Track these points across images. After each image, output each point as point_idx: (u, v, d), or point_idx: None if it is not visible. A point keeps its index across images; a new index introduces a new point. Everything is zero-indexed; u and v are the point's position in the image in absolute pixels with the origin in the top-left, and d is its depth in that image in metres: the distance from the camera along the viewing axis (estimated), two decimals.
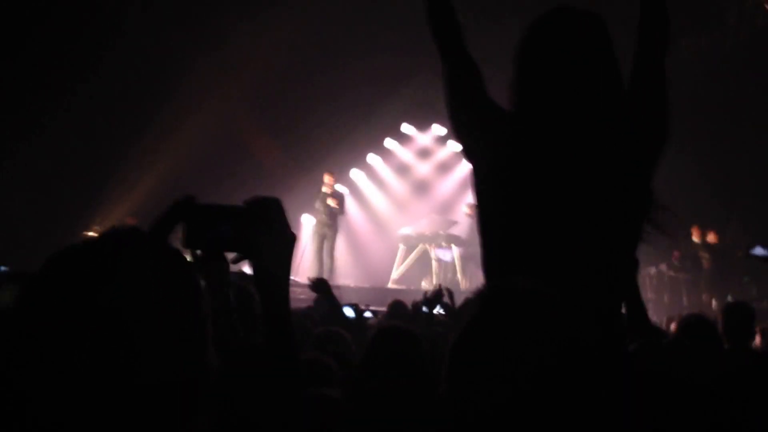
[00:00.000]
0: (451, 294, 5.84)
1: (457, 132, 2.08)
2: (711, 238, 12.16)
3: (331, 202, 11.87)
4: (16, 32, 10.59)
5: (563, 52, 1.93)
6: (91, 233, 12.00)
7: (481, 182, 2.00)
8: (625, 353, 2.03)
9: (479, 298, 1.26)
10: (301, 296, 9.00)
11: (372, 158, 15.19)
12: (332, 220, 12.10)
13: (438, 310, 5.79)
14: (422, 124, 15.04)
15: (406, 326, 2.84)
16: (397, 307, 5.17)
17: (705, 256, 12.08)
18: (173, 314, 0.99)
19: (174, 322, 0.98)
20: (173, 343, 0.98)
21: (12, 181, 11.00)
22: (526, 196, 1.90)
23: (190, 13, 12.00)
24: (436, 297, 4.82)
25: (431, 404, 2.33)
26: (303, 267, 12.67)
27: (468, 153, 2.06)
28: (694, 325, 4.13)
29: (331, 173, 12.15)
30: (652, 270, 12.70)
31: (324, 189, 11.99)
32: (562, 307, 1.20)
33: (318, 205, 12.06)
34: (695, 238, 12.29)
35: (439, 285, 4.92)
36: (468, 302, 3.29)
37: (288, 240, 1.31)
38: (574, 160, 1.88)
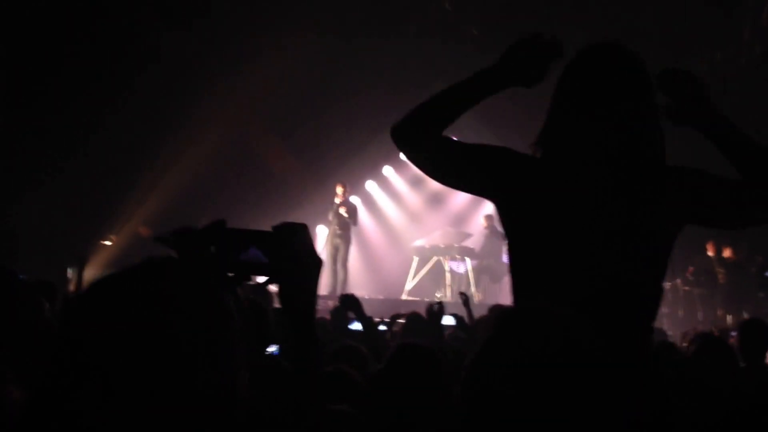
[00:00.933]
0: (467, 300, 5.83)
1: (461, 188, 2.14)
2: (727, 253, 12.09)
3: (342, 211, 11.97)
4: (45, 54, 10.74)
5: (601, 92, 1.90)
6: (107, 242, 12.11)
7: (506, 219, 2.02)
8: (651, 378, 2.00)
9: (499, 315, 1.28)
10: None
11: (387, 170, 15.23)
12: (345, 230, 12.18)
13: (450, 321, 5.77)
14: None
15: (427, 344, 2.83)
16: (414, 319, 5.15)
17: (720, 272, 12.01)
18: (211, 342, 1.02)
19: (212, 351, 1.01)
20: (212, 370, 1.00)
21: (31, 193, 11.13)
22: (552, 234, 1.90)
23: (212, 32, 12.15)
24: (440, 311, 4.78)
25: (449, 421, 2.34)
26: None
27: (489, 199, 2.08)
28: (708, 342, 4.12)
29: (343, 184, 12.25)
30: (667, 285, 12.65)
31: (336, 200, 12.10)
32: (579, 326, 1.22)
33: (331, 216, 12.17)
34: (710, 253, 12.22)
35: (435, 304, 4.86)
36: (483, 320, 3.32)
37: (314, 265, 1.37)
38: (603, 204, 1.87)
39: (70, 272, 9.41)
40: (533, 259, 1.94)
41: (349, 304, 4.84)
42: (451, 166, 2.04)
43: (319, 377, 1.39)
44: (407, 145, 2.04)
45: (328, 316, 6.23)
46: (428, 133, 2.00)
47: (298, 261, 1.35)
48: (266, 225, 1.35)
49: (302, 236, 1.35)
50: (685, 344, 5.33)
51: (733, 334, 5.92)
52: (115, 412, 0.94)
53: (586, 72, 1.93)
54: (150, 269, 1.06)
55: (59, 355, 0.98)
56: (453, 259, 13.26)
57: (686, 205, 1.90)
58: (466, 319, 5.52)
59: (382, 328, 5.60)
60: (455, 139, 2.08)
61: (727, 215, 1.93)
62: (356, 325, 5.21)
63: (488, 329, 1.24)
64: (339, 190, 12.18)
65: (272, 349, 4.85)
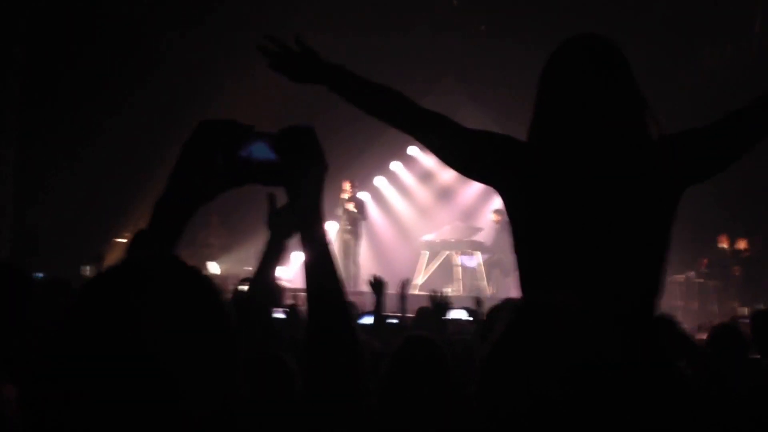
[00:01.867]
0: (479, 301, 5.83)
1: (468, 175, 2.15)
2: (741, 245, 12.06)
3: (351, 207, 12.00)
4: (60, 55, 10.83)
5: (585, 80, 1.95)
6: (122, 239, 12.19)
7: (510, 208, 2.05)
8: (662, 368, 2.03)
9: (515, 309, 1.26)
10: None
11: (395, 166, 15.22)
12: (354, 226, 12.22)
13: (461, 315, 5.78)
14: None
15: (432, 336, 2.84)
16: (423, 313, 5.16)
17: (734, 264, 11.98)
18: (207, 342, 0.97)
19: (208, 350, 0.97)
20: (208, 371, 0.96)
21: (48, 192, 11.23)
22: (552, 223, 1.94)
23: (223, 27, 12.21)
24: (444, 301, 4.76)
25: (456, 414, 2.34)
26: None
27: (492, 185, 2.10)
28: (724, 335, 4.10)
29: (350, 180, 12.29)
30: (681, 278, 12.60)
31: (344, 196, 12.12)
32: (594, 319, 1.21)
33: (340, 212, 12.19)
34: (724, 245, 12.18)
35: (439, 294, 4.81)
36: (495, 309, 3.29)
37: (321, 167, 1.34)
38: (599, 187, 1.91)
39: (86, 270, 9.48)
40: (538, 248, 1.97)
41: (378, 290, 4.82)
42: (458, 154, 2.09)
43: (334, 274, 1.30)
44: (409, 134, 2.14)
45: None
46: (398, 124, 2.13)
47: (305, 161, 1.31)
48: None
49: (310, 137, 1.33)
50: (702, 336, 5.31)
51: (746, 320, 5.88)
52: (98, 424, 0.90)
53: (565, 64, 2.00)
54: (141, 269, 1.00)
55: (49, 361, 0.94)
56: (463, 253, 13.25)
57: (683, 167, 1.95)
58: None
59: (393, 321, 5.61)
60: (457, 124, 2.12)
61: (721, 158, 2.00)
62: (365, 320, 5.22)
63: (506, 319, 1.23)
64: (346, 186, 12.25)
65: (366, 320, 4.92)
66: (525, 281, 2.01)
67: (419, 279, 13.20)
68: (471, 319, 5.43)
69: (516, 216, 2.02)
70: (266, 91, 12.67)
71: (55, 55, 10.93)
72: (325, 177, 1.34)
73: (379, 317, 4.77)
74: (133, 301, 0.94)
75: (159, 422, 0.91)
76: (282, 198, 1.94)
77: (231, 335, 1.00)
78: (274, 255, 2.26)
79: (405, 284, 5.61)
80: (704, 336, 4.78)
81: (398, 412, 2.53)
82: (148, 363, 0.91)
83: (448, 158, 2.12)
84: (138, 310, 0.93)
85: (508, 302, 3.37)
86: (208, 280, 1.02)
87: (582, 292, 1.80)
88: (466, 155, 2.08)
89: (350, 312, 1.30)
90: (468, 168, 2.13)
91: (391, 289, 13.49)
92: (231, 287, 5.90)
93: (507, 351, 1.18)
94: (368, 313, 5.38)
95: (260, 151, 1.29)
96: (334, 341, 1.26)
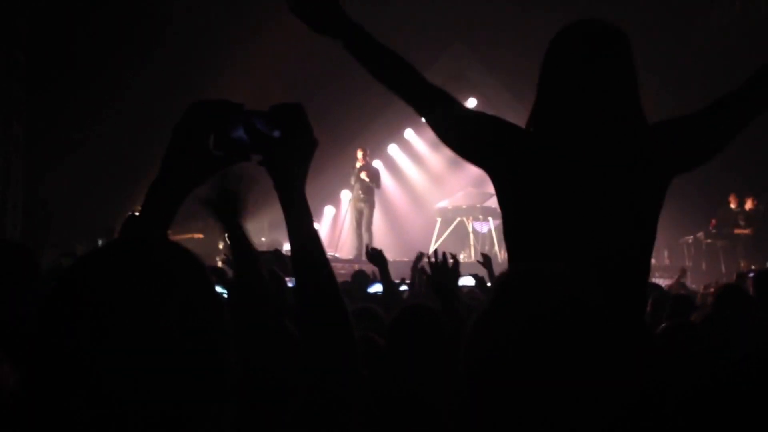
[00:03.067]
0: (489, 261, 5.80)
1: (462, 155, 2.18)
2: (749, 204, 12.07)
3: (363, 176, 12.08)
4: (68, 29, 10.88)
5: (585, 66, 1.98)
6: (135, 212, 12.35)
7: (500, 192, 2.08)
8: (646, 332, 2.05)
9: (497, 279, 1.28)
10: (341, 271, 9.20)
11: (408, 134, 15.27)
12: (367, 194, 12.29)
13: (470, 281, 5.79)
14: (457, 98, 15.02)
15: (429, 305, 2.81)
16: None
17: (742, 223, 12.01)
18: (198, 319, 0.95)
19: (199, 326, 0.95)
20: (200, 345, 0.94)
21: (61, 166, 11.34)
22: (544, 206, 1.97)
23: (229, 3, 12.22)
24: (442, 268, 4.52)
25: (451, 384, 2.34)
26: (342, 242, 12.88)
27: (482, 167, 2.14)
28: (730, 295, 4.12)
29: (363, 149, 12.35)
30: (690, 238, 12.65)
31: (357, 164, 12.20)
32: (579, 283, 1.20)
33: (353, 181, 12.29)
34: (732, 205, 12.20)
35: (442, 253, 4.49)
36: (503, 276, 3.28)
37: (310, 142, 1.35)
38: (592, 172, 1.94)
39: (99, 243, 9.61)
40: (526, 228, 2.01)
41: (378, 262, 4.80)
42: (455, 132, 2.14)
43: (322, 257, 1.35)
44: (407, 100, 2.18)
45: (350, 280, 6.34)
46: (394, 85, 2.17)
47: (294, 136, 1.32)
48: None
49: (298, 113, 1.33)
50: (708, 297, 5.35)
51: (751, 275, 5.90)
52: (95, 404, 0.88)
53: (565, 49, 2.02)
54: (132, 248, 0.98)
55: (42, 338, 0.92)
56: (476, 219, 13.34)
57: (672, 157, 1.99)
58: (487, 279, 5.52)
59: (403, 288, 5.67)
60: (459, 103, 2.18)
61: (710, 146, 2.03)
62: (376, 287, 5.27)
63: (489, 293, 1.24)
64: (359, 154, 12.31)
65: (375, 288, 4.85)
66: (513, 258, 2.06)
67: (432, 246, 13.32)
68: (475, 285, 5.41)
69: (506, 199, 2.06)
70: (278, 58, 12.75)
71: (62, 29, 10.97)
72: (313, 152, 1.36)
73: (388, 286, 4.72)
74: (121, 278, 0.92)
75: (147, 384, 0.90)
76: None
77: (220, 314, 0.99)
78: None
79: (418, 257, 5.54)
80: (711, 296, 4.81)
81: (397, 380, 2.54)
82: (140, 339, 0.90)
83: (445, 135, 2.16)
84: (126, 288, 0.91)
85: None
86: (196, 258, 1.01)
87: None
88: (463, 135, 2.12)
89: (333, 275, 1.37)
90: (463, 147, 2.18)
91: (405, 257, 13.65)
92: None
93: (491, 322, 1.18)
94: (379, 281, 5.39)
95: (251, 129, 1.32)
96: (320, 303, 1.33)
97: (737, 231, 11.92)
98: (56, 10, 10.82)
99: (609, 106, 1.97)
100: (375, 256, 4.84)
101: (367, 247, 5.03)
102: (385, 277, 4.72)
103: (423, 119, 2.18)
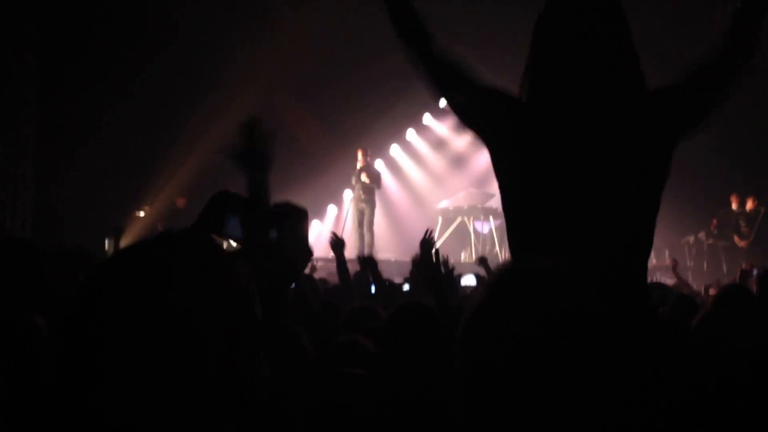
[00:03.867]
0: (485, 262, 5.89)
1: (463, 121, 2.15)
2: (749, 204, 12.06)
3: (364, 177, 12.09)
4: (76, 30, 10.90)
5: (578, 32, 1.95)
6: (142, 212, 12.38)
7: (497, 163, 2.07)
8: (650, 325, 1.99)
9: (491, 278, 1.26)
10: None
11: (410, 134, 15.29)
12: (368, 195, 12.29)
13: (471, 281, 5.84)
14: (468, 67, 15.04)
15: (425, 302, 2.82)
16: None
17: (743, 224, 12.01)
18: (228, 315, 0.98)
19: (229, 323, 0.97)
20: (228, 343, 0.96)
21: (69, 165, 11.38)
22: (542, 177, 1.93)
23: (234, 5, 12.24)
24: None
25: (448, 378, 2.36)
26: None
27: (480, 136, 2.13)
28: (731, 294, 4.11)
29: (364, 149, 12.35)
30: (691, 238, 12.64)
31: (357, 165, 12.22)
32: (574, 281, 1.18)
33: (354, 181, 12.30)
34: (734, 206, 12.20)
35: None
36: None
37: (304, 254, 1.43)
38: (589, 142, 1.91)
39: (107, 243, 9.63)
40: (526, 204, 1.98)
41: (368, 265, 4.98)
42: (461, 98, 2.12)
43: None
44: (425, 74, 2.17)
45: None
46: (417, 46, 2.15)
47: (287, 247, 1.41)
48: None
49: (299, 222, 1.42)
50: (709, 296, 5.36)
51: (755, 273, 5.89)
52: (115, 396, 0.91)
53: (558, 12, 2.00)
54: (161, 244, 1.02)
55: (69, 334, 0.95)
56: (477, 219, 13.36)
57: (672, 121, 1.96)
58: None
59: (406, 287, 5.69)
60: (468, 71, 2.14)
61: (707, 105, 2.00)
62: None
63: (481, 292, 1.22)
64: (360, 155, 12.31)
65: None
66: (514, 237, 2.06)
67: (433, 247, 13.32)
68: (476, 286, 5.47)
69: (504, 170, 2.04)
70: (281, 59, 12.76)
71: (73, 32, 11.02)
72: (306, 262, 1.53)
73: (379, 287, 4.85)
74: (162, 268, 0.96)
75: (172, 377, 0.92)
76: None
77: (251, 312, 1.02)
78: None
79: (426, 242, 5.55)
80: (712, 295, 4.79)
81: (394, 378, 2.55)
82: (169, 318, 0.93)
83: (451, 99, 2.15)
84: (166, 277, 0.95)
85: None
86: (226, 253, 1.04)
87: (570, 247, 1.85)
88: (469, 102, 2.10)
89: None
90: (466, 114, 2.14)
91: (407, 256, 13.62)
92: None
93: (482, 324, 1.17)
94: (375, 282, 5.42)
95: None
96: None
97: (737, 241, 11.92)
98: (67, 13, 10.85)
99: (606, 73, 1.94)
100: (365, 261, 5.12)
101: (359, 257, 5.25)
102: (376, 278, 4.84)
103: (429, 81, 2.18)
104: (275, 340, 2.49)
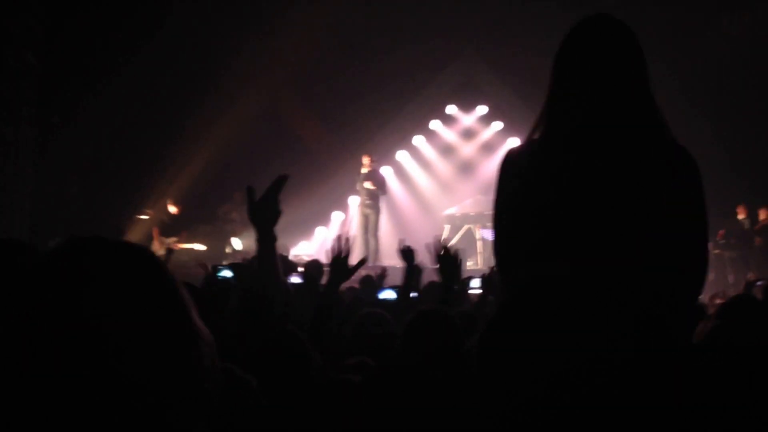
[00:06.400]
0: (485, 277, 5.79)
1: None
2: (762, 215, 12.03)
3: (368, 184, 12.04)
4: (77, 37, 10.93)
5: (595, 64, 1.93)
6: (143, 216, 12.38)
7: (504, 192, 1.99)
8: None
9: (505, 298, 1.23)
10: None
11: (417, 140, 15.27)
12: (373, 200, 12.25)
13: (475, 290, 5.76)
14: (466, 105, 15.07)
15: (444, 309, 2.85)
16: (431, 287, 5.16)
17: (752, 234, 11.96)
18: (148, 313, 0.93)
19: (149, 321, 0.93)
20: (146, 345, 0.91)
21: (73, 171, 11.40)
22: (551, 205, 1.89)
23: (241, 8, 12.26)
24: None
25: (466, 385, 2.37)
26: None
27: None
28: (738, 304, 4.07)
29: (369, 155, 12.31)
30: None
31: (363, 170, 12.18)
32: (591, 297, 1.19)
33: (358, 187, 12.26)
34: (741, 216, 12.15)
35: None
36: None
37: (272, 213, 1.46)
38: (599, 171, 1.87)
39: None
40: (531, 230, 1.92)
41: (406, 256, 4.65)
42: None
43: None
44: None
45: (358, 285, 6.33)
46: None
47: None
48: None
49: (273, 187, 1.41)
50: (713, 306, 5.31)
51: (759, 283, 5.84)
52: (45, 397, 0.87)
53: (576, 50, 1.97)
54: (74, 249, 0.97)
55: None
56: (484, 227, 13.32)
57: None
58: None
59: (413, 294, 5.63)
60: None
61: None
62: (385, 294, 5.26)
63: (495, 310, 1.19)
64: (365, 160, 12.23)
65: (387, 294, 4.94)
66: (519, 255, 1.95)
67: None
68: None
69: (511, 208, 1.96)
70: (287, 63, 12.77)
71: (74, 31, 11.03)
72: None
73: (406, 291, 4.62)
74: (72, 268, 0.93)
75: (92, 380, 0.88)
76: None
77: (176, 310, 0.97)
78: (269, 248, 2.38)
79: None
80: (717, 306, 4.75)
81: (412, 383, 2.52)
82: (89, 333, 0.89)
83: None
84: (80, 285, 0.91)
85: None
86: (154, 257, 0.99)
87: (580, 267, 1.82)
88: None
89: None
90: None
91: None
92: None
93: (495, 343, 1.18)
94: (393, 287, 5.32)
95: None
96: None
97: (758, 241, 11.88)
98: (68, 12, 10.87)
99: (623, 109, 1.92)
100: (405, 252, 4.72)
101: (401, 242, 4.95)
102: (409, 276, 4.58)
103: None
104: (280, 348, 2.54)
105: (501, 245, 2.00)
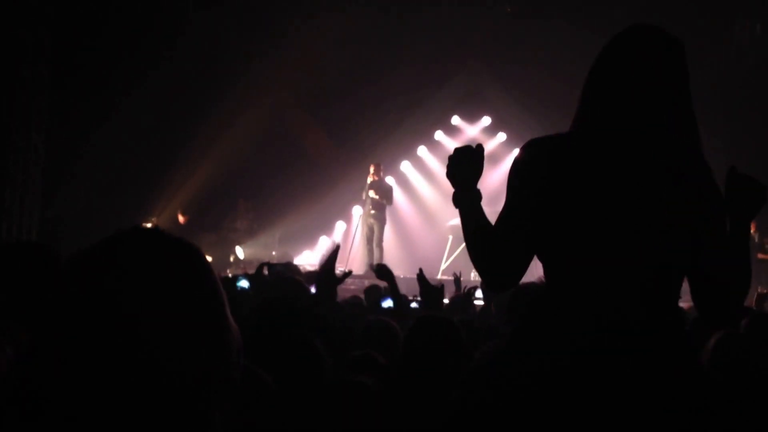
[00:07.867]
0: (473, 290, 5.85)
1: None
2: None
3: (372, 193, 12.01)
4: (78, 33, 10.96)
5: (635, 75, 1.90)
6: (147, 225, 12.36)
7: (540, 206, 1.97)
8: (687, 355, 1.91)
9: (519, 322, 1.25)
10: (351, 286, 9.13)
11: (421, 150, 15.25)
12: (378, 211, 12.23)
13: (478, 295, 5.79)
14: (471, 116, 15.06)
15: (444, 315, 2.92)
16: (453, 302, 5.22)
17: (758, 249, 11.89)
18: (182, 304, 0.96)
19: (183, 311, 0.96)
20: (184, 332, 0.94)
21: (80, 179, 11.42)
22: (578, 210, 1.86)
23: (245, 11, 12.28)
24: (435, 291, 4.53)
25: (468, 389, 2.37)
26: (352, 257, 12.82)
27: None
28: (754, 319, 4.05)
29: (377, 164, 12.30)
30: None
31: (369, 179, 12.16)
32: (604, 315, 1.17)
33: (364, 196, 12.24)
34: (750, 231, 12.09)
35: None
36: (518, 293, 3.30)
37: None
38: (627, 178, 1.85)
39: None
40: (563, 241, 1.90)
41: (384, 275, 4.80)
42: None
43: None
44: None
45: (362, 296, 6.30)
46: (508, 280, 2.12)
47: None
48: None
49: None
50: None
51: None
52: (82, 384, 0.90)
53: (620, 58, 1.93)
54: (117, 240, 1.00)
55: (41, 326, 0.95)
56: None
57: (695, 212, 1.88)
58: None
59: (414, 305, 5.64)
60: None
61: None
62: (389, 302, 5.27)
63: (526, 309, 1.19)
64: (372, 169, 12.26)
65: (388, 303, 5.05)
66: (551, 273, 1.96)
67: (444, 264, 13.25)
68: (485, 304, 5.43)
69: (544, 209, 1.94)
70: (292, 74, 12.78)
71: (84, 41, 11.07)
72: None
73: (398, 299, 4.73)
74: (110, 258, 0.96)
75: (125, 368, 0.90)
76: None
77: (210, 301, 0.99)
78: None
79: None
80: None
81: (414, 390, 2.58)
82: (120, 307, 0.92)
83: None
84: (119, 278, 0.94)
85: (529, 287, 3.38)
86: (193, 250, 1.02)
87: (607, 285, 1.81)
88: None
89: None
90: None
91: (416, 274, 13.52)
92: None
93: (511, 364, 1.13)
94: (393, 297, 5.40)
95: None
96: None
97: (761, 256, 11.80)
98: (79, 22, 10.91)
99: (662, 121, 1.89)
100: (381, 271, 4.88)
101: (371, 265, 5.11)
102: (394, 291, 4.74)
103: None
104: (294, 351, 2.61)
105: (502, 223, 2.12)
